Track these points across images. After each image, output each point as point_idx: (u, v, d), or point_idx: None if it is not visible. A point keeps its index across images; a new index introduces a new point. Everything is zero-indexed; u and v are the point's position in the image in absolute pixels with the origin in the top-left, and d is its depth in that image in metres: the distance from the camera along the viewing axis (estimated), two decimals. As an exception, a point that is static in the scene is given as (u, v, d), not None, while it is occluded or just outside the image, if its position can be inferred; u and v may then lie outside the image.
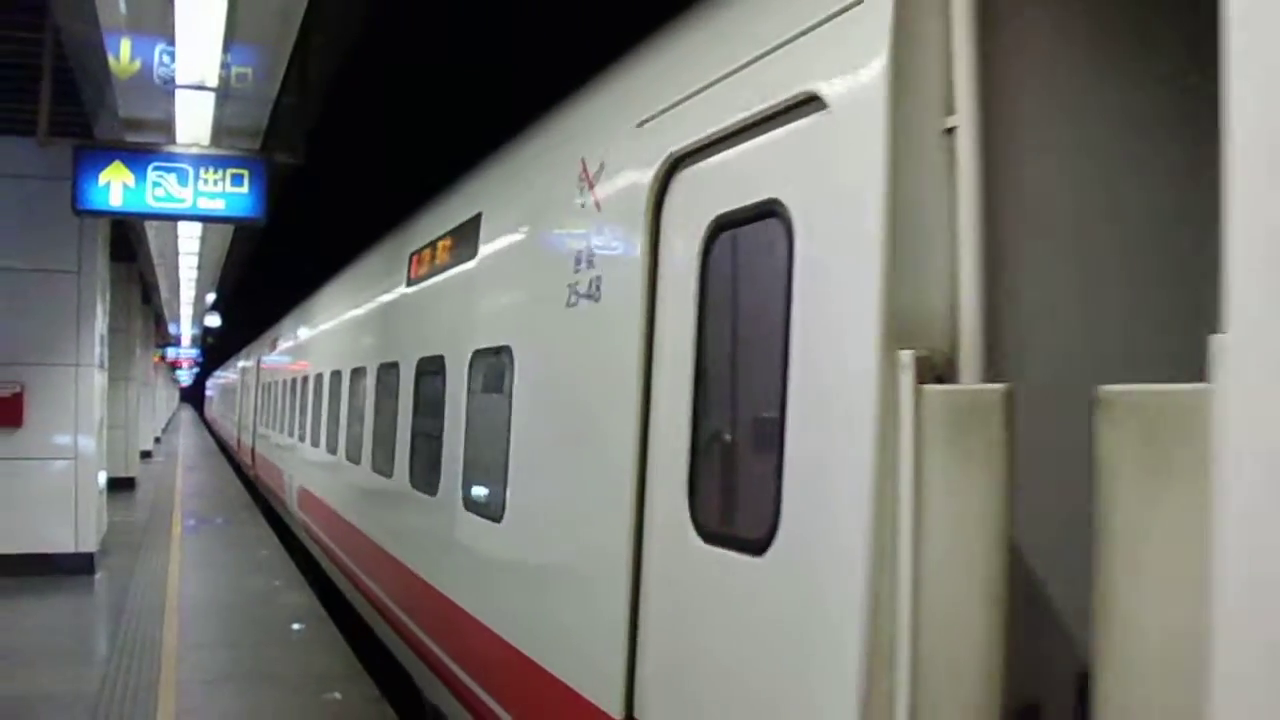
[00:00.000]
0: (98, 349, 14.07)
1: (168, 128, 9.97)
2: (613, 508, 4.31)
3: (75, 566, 13.53)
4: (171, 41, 8.11)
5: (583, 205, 5.03)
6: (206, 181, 10.00)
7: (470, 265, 7.07)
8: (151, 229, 15.93)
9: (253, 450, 24.47)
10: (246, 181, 10.08)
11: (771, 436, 3.30)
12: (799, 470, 3.18)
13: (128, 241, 17.99)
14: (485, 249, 6.80)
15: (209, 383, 76.90)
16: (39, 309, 13.53)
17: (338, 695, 8.61)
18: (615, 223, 4.62)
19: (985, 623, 2.67)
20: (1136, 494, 2.35)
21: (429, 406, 7.67)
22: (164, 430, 50.97)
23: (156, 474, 29.28)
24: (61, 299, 13.60)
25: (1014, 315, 2.94)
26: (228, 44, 8.04)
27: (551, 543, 5.29)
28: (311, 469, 14.26)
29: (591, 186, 4.96)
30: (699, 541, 3.72)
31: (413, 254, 8.87)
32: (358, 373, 10.77)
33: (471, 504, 6.49)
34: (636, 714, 4.10)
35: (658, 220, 4.23)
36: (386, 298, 9.96)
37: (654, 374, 4.15)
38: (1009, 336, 2.94)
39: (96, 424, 14.09)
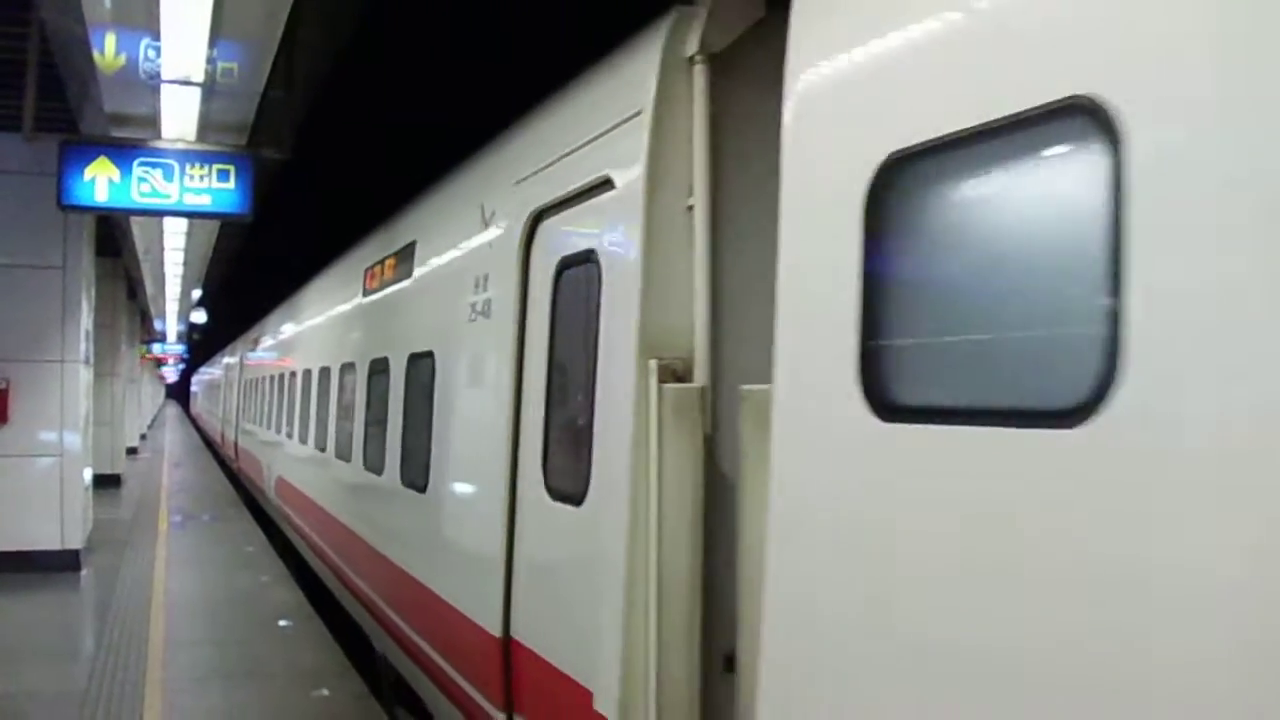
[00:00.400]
0: (83, 345, 14.02)
1: (153, 123, 9.92)
2: (496, 476, 5.70)
3: (61, 564, 13.49)
4: (157, 36, 8.07)
5: (480, 241, 6.53)
6: (192, 177, 9.96)
7: (407, 283, 8.57)
8: (137, 224, 15.87)
9: (235, 444, 25.80)
10: (232, 177, 10.03)
11: (588, 419, 4.67)
12: (600, 442, 4.54)
13: (113, 237, 17.92)
14: (418, 270, 8.28)
15: (194, 379, 76.72)
16: (24, 304, 13.48)
17: (325, 692, 8.61)
18: (500, 257, 6.02)
19: (691, 541, 4.09)
20: (753, 472, 3.51)
21: (378, 401, 9.00)
22: (150, 427, 50.84)
23: (142, 470, 29.20)
24: (47, 295, 13.56)
25: (729, 338, 4.15)
26: (213, 39, 8.00)
27: (457, 506, 6.82)
28: (287, 459, 15.47)
29: (486, 227, 6.42)
30: (549, 499, 5.12)
31: (367, 269, 10.25)
32: (324, 372, 12.23)
33: (406, 479, 7.86)
34: (512, 633, 5.52)
35: (527, 257, 5.64)
36: (346, 307, 11.44)
37: (524, 375, 5.56)
38: (725, 353, 4.18)
39: (82, 420, 14.05)
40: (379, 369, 9.07)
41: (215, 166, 10.01)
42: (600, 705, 4.39)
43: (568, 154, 5.21)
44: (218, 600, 12.21)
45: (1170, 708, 2.06)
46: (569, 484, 4.90)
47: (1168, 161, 2.09)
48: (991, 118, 2.49)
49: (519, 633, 5.46)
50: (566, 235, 5.20)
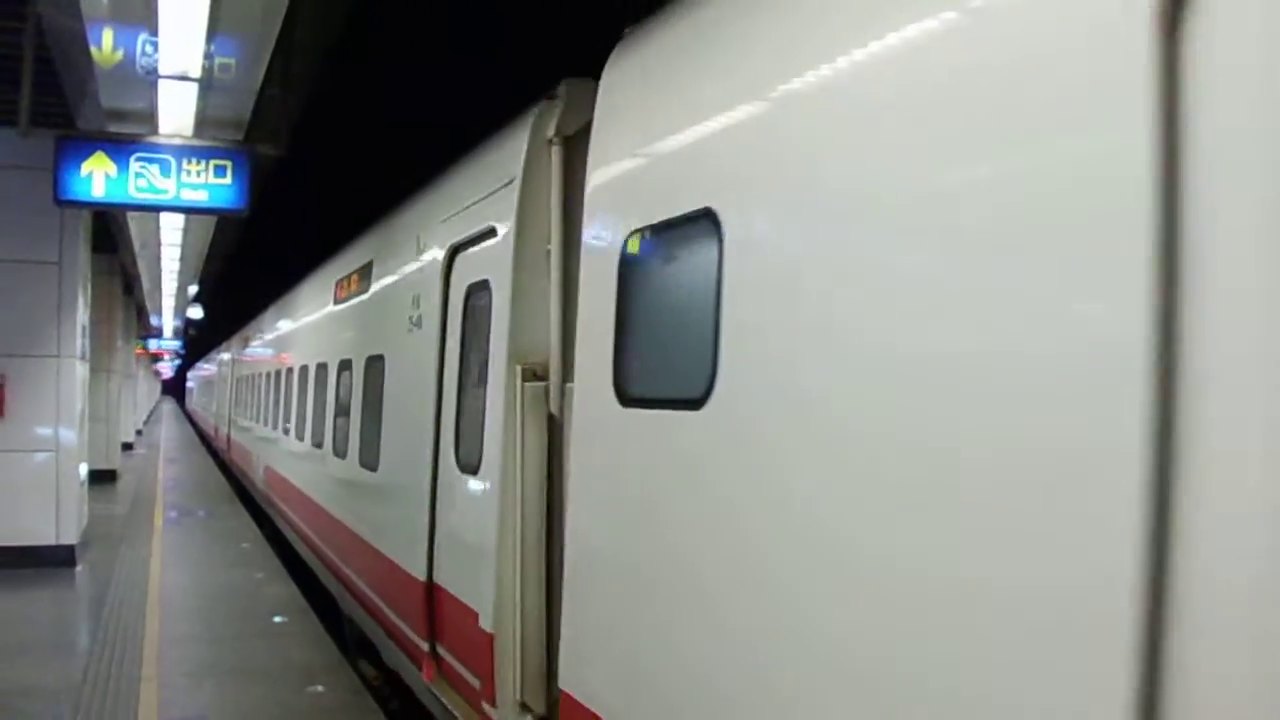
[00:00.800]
0: (79, 341, 14.01)
1: (150, 118, 9.92)
2: (424, 455, 7.26)
3: (56, 559, 13.48)
4: (154, 32, 8.07)
5: (415, 266, 8.17)
6: (189, 173, 9.97)
7: (366, 296, 10.15)
8: (133, 220, 15.86)
9: (228, 437, 28.15)
10: (230, 173, 10.04)
11: (483, 408, 6.16)
12: (489, 425, 6.04)
13: (109, 232, 17.91)
14: (374, 286, 9.83)
15: (190, 376, 76.85)
16: (20, 300, 13.46)
17: (320, 688, 8.60)
18: (429, 280, 7.61)
19: (539, 497, 5.50)
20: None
21: (344, 396, 10.72)
22: (146, 422, 50.82)
23: (138, 466, 29.19)
24: (43, 290, 13.54)
25: (572, 348, 4.93)
26: (211, 35, 8.00)
27: (397, 480, 8.34)
28: (271, 448, 17.55)
29: (420, 255, 8.04)
30: (458, 470, 6.67)
31: (338, 281, 11.85)
32: (304, 370, 14.01)
33: (363, 461, 9.52)
34: (434, 578, 7.09)
35: (448, 282, 7.20)
36: (321, 313, 13.21)
37: (443, 375, 7.13)
38: (569, 359, 5.08)
39: (78, 416, 14.04)
40: (345, 368, 10.75)
41: (212, 162, 10.02)
42: (483, 624, 5.89)
43: (471, 204, 6.78)
44: (212, 596, 12.21)
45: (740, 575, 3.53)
46: (471, 458, 6.37)
47: (742, 246, 3.59)
48: (673, 215, 4.06)
49: (439, 578, 7.01)
50: (472, 267, 6.74)
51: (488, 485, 5.98)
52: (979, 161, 2.64)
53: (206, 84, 9.03)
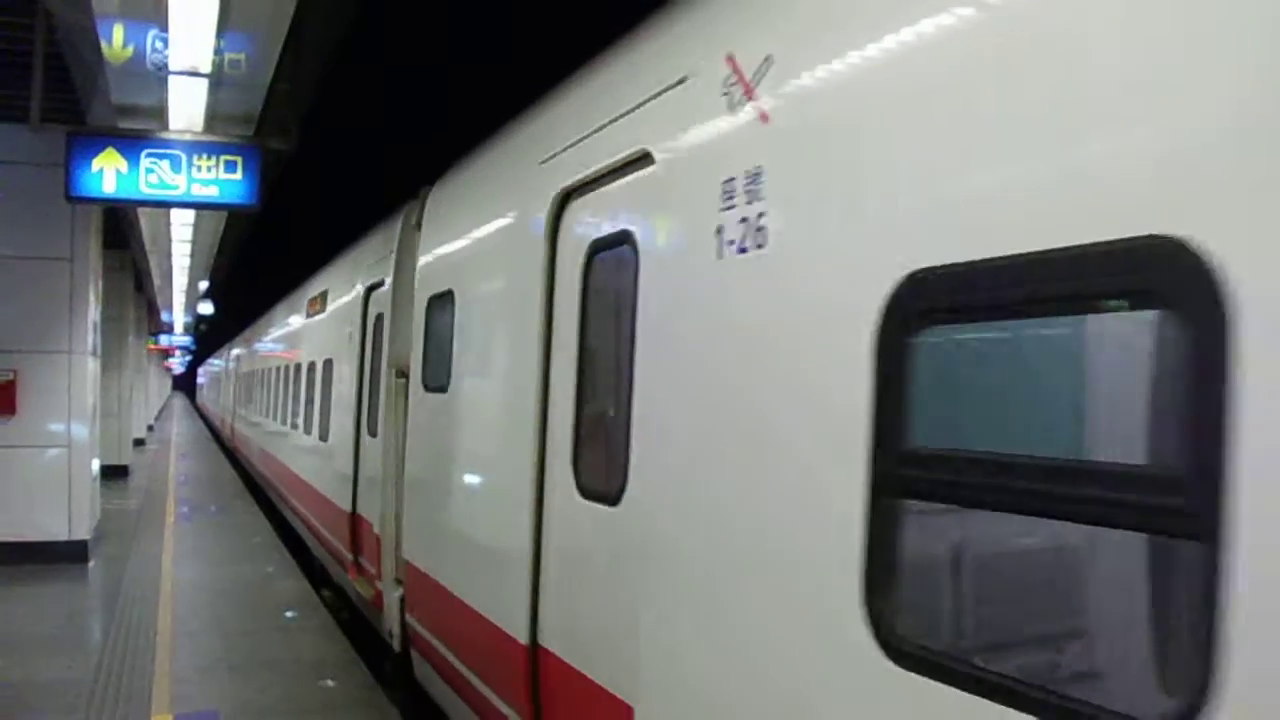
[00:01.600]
0: (91, 336, 14.04)
1: (161, 114, 9.93)
2: (352, 428, 10.39)
3: (69, 554, 13.52)
4: (165, 27, 8.08)
5: (349, 298, 11.43)
6: (200, 168, 9.98)
7: (325, 315, 13.62)
8: (144, 216, 15.89)
9: (232, 426, 32.22)
10: (240, 168, 10.05)
11: (378, 396, 9.31)
12: (381, 407, 9.00)
13: (120, 229, 17.95)
14: (329, 308, 13.28)
15: (200, 372, 77.24)
16: (32, 296, 13.49)
17: (331, 683, 8.63)
18: (358, 308, 10.80)
19: (398, 456, 8.22)
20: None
21: (309, 389, 14.34)
22: (157, 418, 50.94)
23: (150, 462, 29.28)
24: (54, 286, 13.57)
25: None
26: (221, 30, 8.01)
27: (337, 447, 11.48)
28: (266, 435, 20.82)
29: (352, 290, 11.37)
30: (369, 438, 9.67)
31: (309, 299, 15.42)
32: (286, 369, 17.59)
33: (319, 435, 12.90)
34: (357, 510, 10.14)
35: (365, 311, 10.47)
36: (296, 326, 17.09)
37: (362, 374, 10.25)
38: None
39: (90, 412, 14.08)
40: (311, 369, 14.34)
41: (223, 158, 10.02)
42: (376, 531, 9.06)
43: (374, 262, 10.18)
44: (224, 591, 12.25)
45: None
46: (373, 428, 9.45)
47: (463, 309, 6.82)
48: (441, 290, 7.18)
49: (361, 510, 10.07)
50: (378, 302, 9.81)
51: (380, 444, 9.01)
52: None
53: (217, 79, 9.04)
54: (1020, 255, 2.44)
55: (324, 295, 13.79)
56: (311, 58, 10.21)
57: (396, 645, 8.15)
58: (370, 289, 10.13)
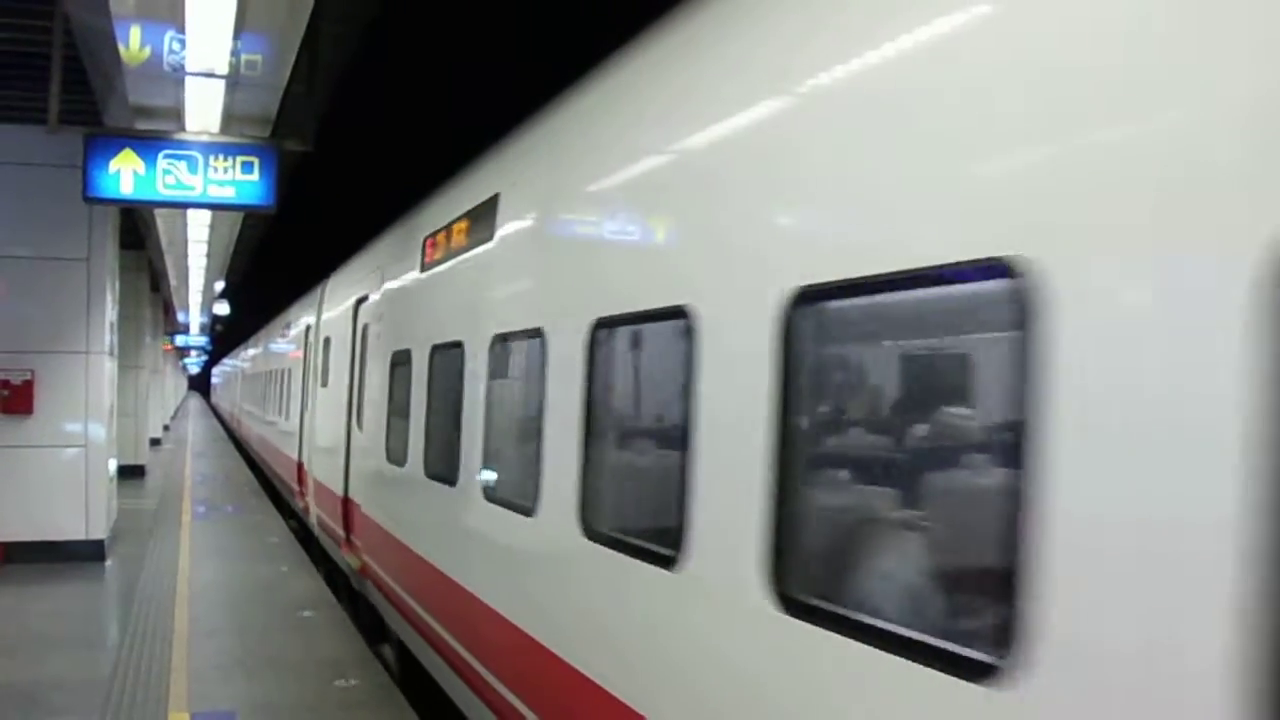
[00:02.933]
0: (107, 336, 14.10)
1: (178, 115, 9.97)
2: (343, 424, 12.86)
3: (86, 554, 13.59)
4: (182, 29, 8.11)
5: (301, 328, 18.38)
6: (216, 169, 9.99)
7: (289, 337, 20.92)
8: (161, 216, 15.96)
9: (238, 419, 38.10)
10: (256, 169, 10.06)
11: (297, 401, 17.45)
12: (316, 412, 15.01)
13: (136, 229, 18.02)
14: (291, 332, 20.24)
15: (214, 372, 77.89)
16: (49, 297, 13.57)
17: (348, 682, 8.64)
18: (302, 339, 17.81)
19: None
20: None
21: (286, 389, 19.39)
22: (173, 418, 51.12)
23: (166, 461, 29.39)
24: (71, 287, 13.65)
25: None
26: (238, 31, 8.04)
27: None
28: (258, 422, 26.87)
29: (293, 327, 20.11)
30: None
31: (285, 324, 21.89)
32: (274, 374, 23.32)
33: (298, 423, 16.83)
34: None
35: (307, 343, 17.24)
36: (276, 342, 24.34)
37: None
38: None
39: (107, 411, 14.14)
40: (290, 375, 19.38)
41: (239, 159, 10.04)
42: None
43: (322, 316, 15.40)
44: (240, 590, 12.29)
45: None
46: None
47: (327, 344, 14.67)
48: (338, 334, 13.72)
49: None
50: (314, 340, 15.62)
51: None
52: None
53: (233, 81, 9.06)
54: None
55: (284, 323, 22.41)
56: (329, 59, 10.23)
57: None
58: (309, 329, 16.94)
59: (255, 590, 12.29)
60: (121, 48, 8.33)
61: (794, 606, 3.26)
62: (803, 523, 3.34)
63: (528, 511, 5.61)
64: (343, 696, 8.33)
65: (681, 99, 4.42)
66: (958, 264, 2.68)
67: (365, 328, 11.36)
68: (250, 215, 15.73)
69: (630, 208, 4.79)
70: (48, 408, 13.62)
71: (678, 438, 4.02)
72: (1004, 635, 2.46)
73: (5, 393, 13.39)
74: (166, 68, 8.64)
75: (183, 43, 8.31)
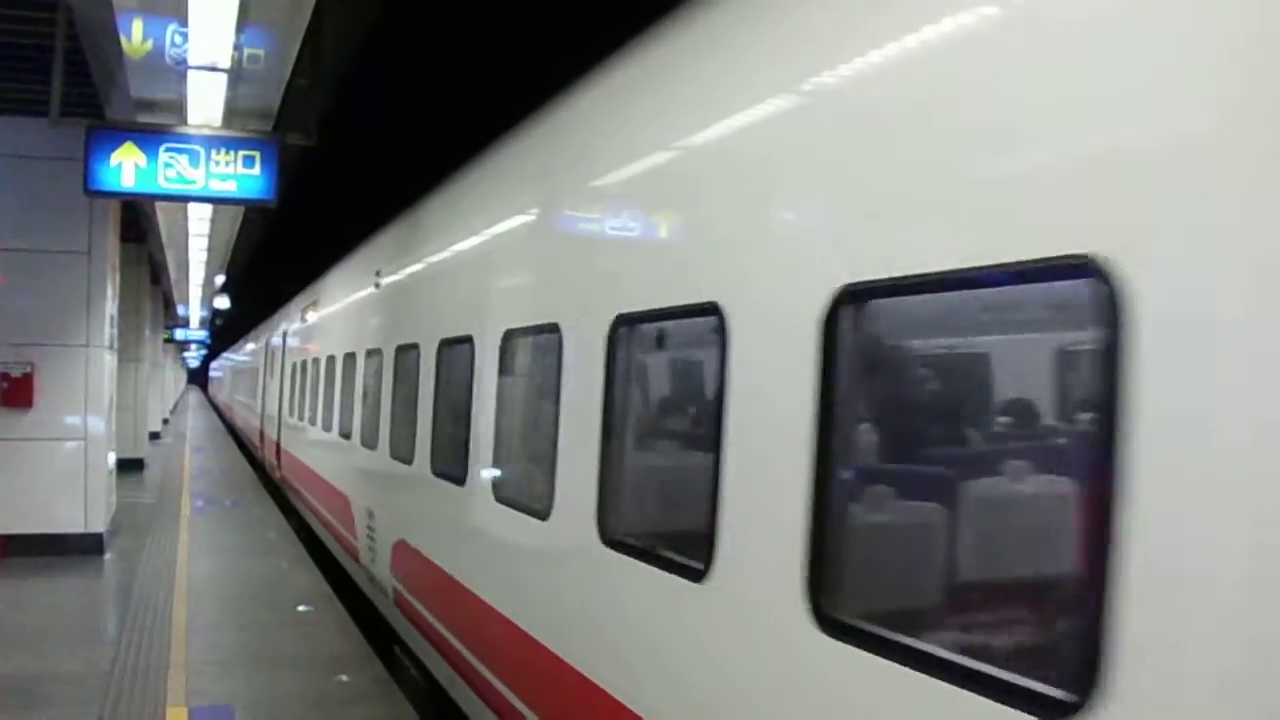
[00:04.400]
0: (108, 330, 14.09)
1: (179, 109, 9.94)
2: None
3: (85, 547, 13.59)
4: (184, 22, 8.09)
5: (273, 346, 24.15)
6: (218, 163, 9.97)
7: (257, 346, 30.32)
8: (162, 210, 15.93)
9: (230, 406, 46.19)
10: (258, 163, 10.04)
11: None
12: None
13: (137, 222, 18.00)
14: (263, 343, 27.44)
15: (212, 367, 78.49)
16: (49, 290, 13.55)
17: (345, 678, 8.64)
18: (267, 349, 25.81)
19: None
20: None
21: (257, 384, 27.50)
22: (172, 412, 51.10)
23: (165, 455, 29.38)
24: (72, 280, 13.63)
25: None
26: (241, 25, 8.01)
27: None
28: (249, 411, 31.56)
29: (262, 340, 28.60)
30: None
31: (267, 339, 25.96)
32: (256, 369, 29.07)
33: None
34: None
35: (269, 353, 25.53)
36: (259, 344, 30.65)
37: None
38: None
39: (106, 405, 14.13)
40: (267, 372, 24.53)
41: (241, 153, 10.01)
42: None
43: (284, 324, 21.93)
44: (239, 585, 12.29)
45: None
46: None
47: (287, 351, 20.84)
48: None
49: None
50: (285, 346, 20.92)
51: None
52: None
53: (236, 74, 9.04)
54: None
55: (263, 333, 28.57)
56: (331, 53, 10.21)
57: None
58: (283, 334, 21.45)
59: (254, 585, 12.28)
60: (124, 41, 8.30)
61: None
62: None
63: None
64: (340, 692, 8.32)
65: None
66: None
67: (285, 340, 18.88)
68: (251, 209, 15.70)
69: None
70: (48, 401, 13.61)
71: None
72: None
73: (5, 385, 13.37)
74: (169, 61, 8.62)
75: (185, 36, 8.28)
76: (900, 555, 3.23)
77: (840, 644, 3.04)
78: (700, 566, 3.80)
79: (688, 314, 4.11)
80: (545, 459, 5.35)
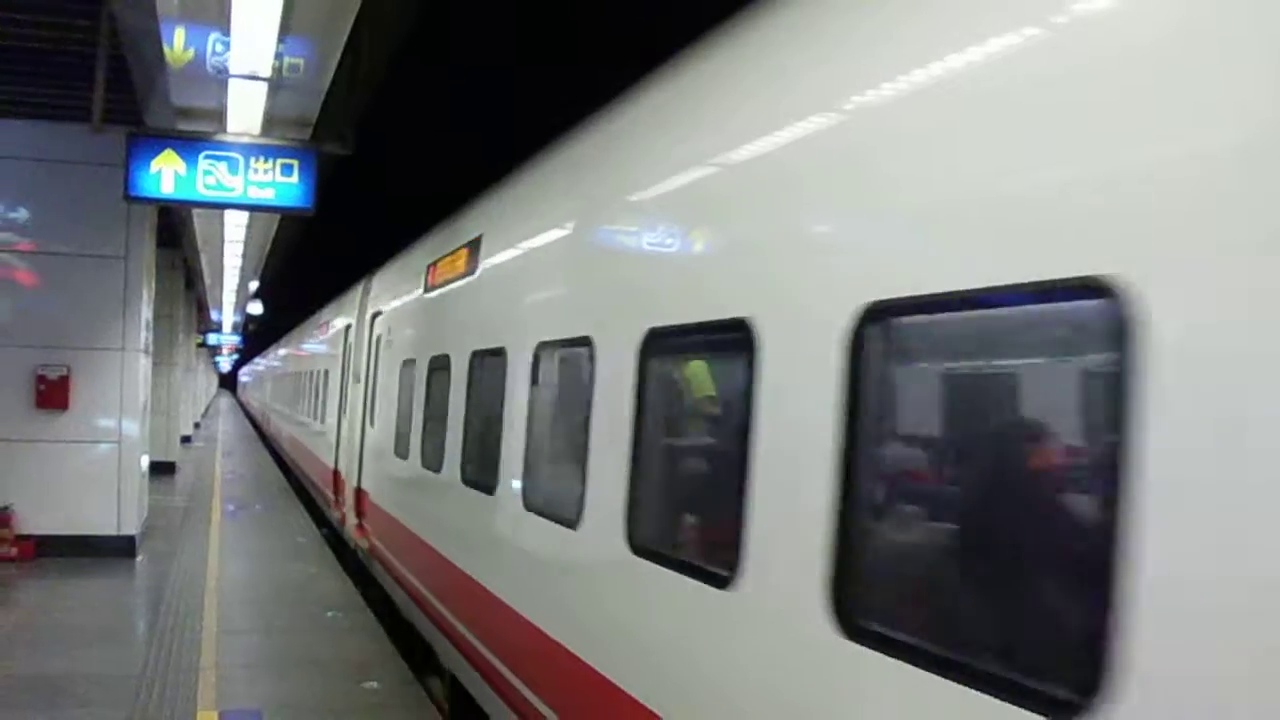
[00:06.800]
0: (143, 334, 14.22)
1: (219, 117, 10.03)
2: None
3: (117, 549, 13.70)
4: (226, 31, 8.15)
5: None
6: (257, 171, 10.05)
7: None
8: (198, 216, 16.07)
9: (263, 413, 45.90)
10: (296, 171, 10.12)
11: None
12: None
13: (172, 228, 18.15)
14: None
15: (242, 371, 79.34)
16: (87, 294, 13.70)
17: (375, 684, 8.66)
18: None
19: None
20: None
21: (296, 390, 25.75)
22: (204, 415, 51.48)
23: (196, 459, 29.59)
24: (109, 284, 13.78)
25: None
26: (283, 34, 8.08)
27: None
28: (278, 416, 31.76)
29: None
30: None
31: (296, 345, 28.61)
32: (287, 376, 29.79)
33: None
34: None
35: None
36: (286, 351, 33.54)
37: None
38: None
39: (140, 408, 14.25)
40: (302, 379, 24.11)
41: (279, 161, 10.09)
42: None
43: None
44: (268, 590, 12.35)
45: None
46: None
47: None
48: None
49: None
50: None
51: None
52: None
53: (276, 83, 9.12)
54: None
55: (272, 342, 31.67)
56: (371, 62, 10.28)
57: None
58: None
59: (283, 590, 12.34)
60: (166, 49, 8.39)
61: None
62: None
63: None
64: (369, 699, 8.35)
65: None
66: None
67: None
68: (287, 216, 15.81)
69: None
70: (83, 403, 13.75)
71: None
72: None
73: (41, 388, 13.53)
74: (210, 69, 8.70)
75: (227, 45, 8.36)
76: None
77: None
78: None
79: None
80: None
